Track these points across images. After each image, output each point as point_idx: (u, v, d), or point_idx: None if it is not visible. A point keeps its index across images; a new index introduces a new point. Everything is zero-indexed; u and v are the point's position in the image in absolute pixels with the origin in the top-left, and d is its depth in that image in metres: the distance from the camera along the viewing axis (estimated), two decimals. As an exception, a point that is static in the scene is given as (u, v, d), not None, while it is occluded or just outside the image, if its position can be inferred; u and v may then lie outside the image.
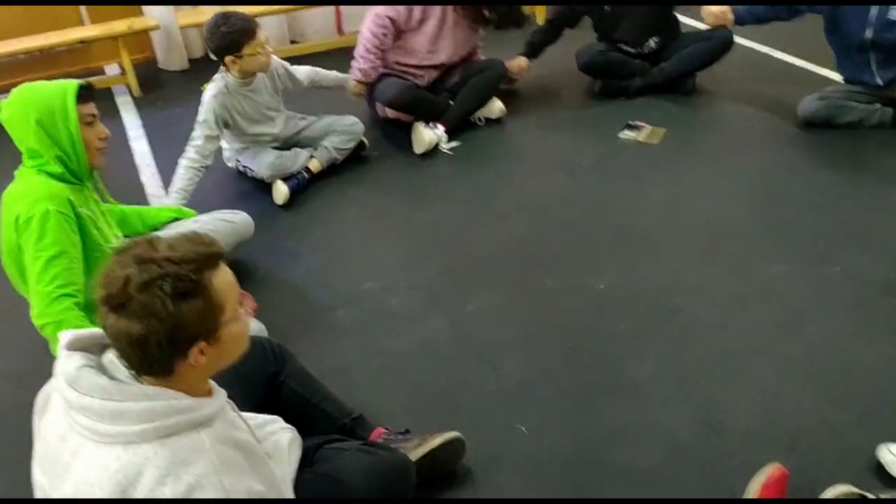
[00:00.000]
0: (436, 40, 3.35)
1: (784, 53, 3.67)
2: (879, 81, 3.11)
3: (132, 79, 4.02)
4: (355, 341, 2.27)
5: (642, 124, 3.34)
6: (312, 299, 2.46)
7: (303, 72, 3.20)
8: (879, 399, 1.93)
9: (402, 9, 3.23)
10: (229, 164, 3.18)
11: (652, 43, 3.60)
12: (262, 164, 3.03)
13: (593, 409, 1.95)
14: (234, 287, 1.20)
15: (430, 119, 3.34)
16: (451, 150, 3.30)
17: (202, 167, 2.83)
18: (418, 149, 3.28)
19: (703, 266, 2.48)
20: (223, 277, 1.18)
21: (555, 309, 2.34)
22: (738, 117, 3.41)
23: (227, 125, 2.96)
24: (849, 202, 2.77)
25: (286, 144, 3.19)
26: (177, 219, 2.51)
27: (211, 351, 1.15)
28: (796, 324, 2.20)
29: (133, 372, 1.14)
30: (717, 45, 3.47)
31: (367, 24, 3.26)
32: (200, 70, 4.35)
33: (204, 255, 1.16)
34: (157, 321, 1.07)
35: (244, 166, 3.12)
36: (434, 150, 3.29)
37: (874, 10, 2.94)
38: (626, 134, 3.30)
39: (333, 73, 3.32)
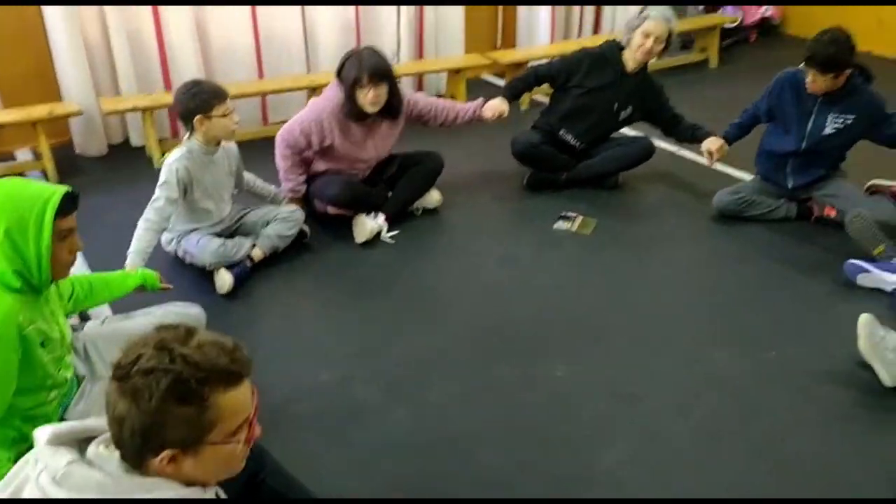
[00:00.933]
0: (362, 143, 3.37)
1: (694, 154, 3.99)
2: (790, 184, 3.42)
3: (49, 165, 3.85)
4: (320, 435, 2.22)
5: (574, 215, 3.51)
6: (271, 393, 2.37)
7: (246, 174, 3.27)
8: (839, 485, 2.06)
9: (301, 139, 3.26)
10: (167, 249, 3.08)
11: (587, 144, 3.81)
12: (205, 250, 2.96)
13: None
14: (243, 411, 1.17)
15: (370, 210, 3.38)
16: (391, 239, 3.34)
17: (160, 230, 2.84)
18: (360, 238, 3.30)
19: (652, 354, 2.59)
20: (235, 399, 1.15)
21: (516, 398, 2.38)
22: (660, 210, 3.64)
23: (185, 192, 2.91)
24: (772, 291, 2.98)
25: (225, 232, 3.14)
26: (143, 286, 2.40)
27: (185, 461, 1.12)
28: (750, 410, 2.32)
29: (120, 457, 1.12)
30: (642, 151, 3.73)
31: (277, 150, 3.32)
32: (120, 157, 4.24)
33: (222, 371, 1.14)
34: (138, 410, 1.07)
35: (185, 251, 3.03)
36: (375, 240, 3.32)
37: (811, 125, 3.24)
38: (561, 225, 3.45)
39: (269, 188, 3.34)
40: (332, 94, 3.27)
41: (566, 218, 3.49)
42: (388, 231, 3.36)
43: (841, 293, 2.94)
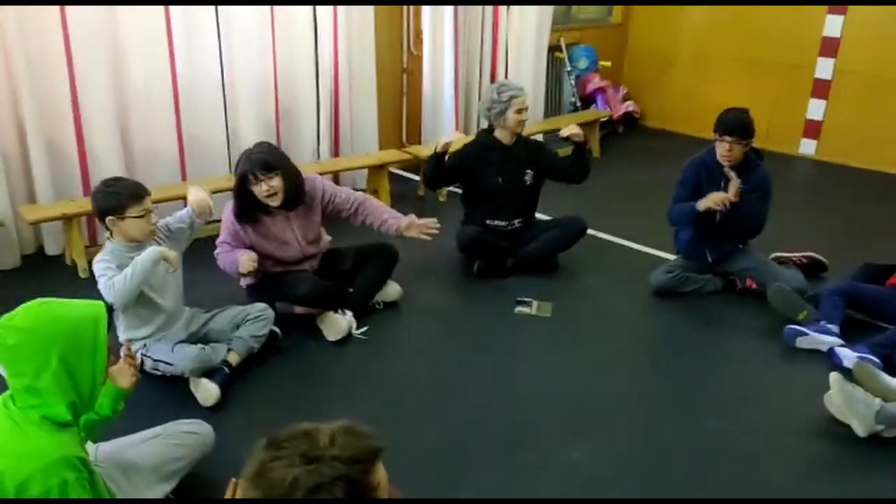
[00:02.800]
0: (282, 234, 3.35)
1: (620, 238, 4.39)
2: (710, 258, 3.81)
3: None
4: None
5: (530, 299, 3.69)
6: None
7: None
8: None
9: (231, 242, 3.28)
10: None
11: (516, 223, 4.04)
12: (185, 356, 2.83)
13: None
14: (387, 485, 1.17)
15: (336, 307, 3.38)
16: (363, 335, 3.35)
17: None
18: (334, 336, 3.29)
19: (651, 428, 2.78)
20: (382, 475, 1.17)
21: (544, 486, 2.45)
22: (603, 289, 3.91)
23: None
24: (723, 360, 3.30)
25: (192, 339, 3.02)
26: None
27: None
28: (746, 476, 2.53)
29: None
30: (575, 230, 4.01)
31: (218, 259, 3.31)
32: (36, 268, 3.96)
33: (370, 453, 1.14)
34: None
35: (155, 360, 2.88)
36: (346, 337, 3.31)
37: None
38: (520, 310, 3.61)
39: (182, 214, 3.07)
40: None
41: (524, 303, 3.66)
42: (358, 327, 3.37)
43: (785, 356, 3.29)
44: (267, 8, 4.53)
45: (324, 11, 4.80)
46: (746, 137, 3.58)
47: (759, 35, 6.57)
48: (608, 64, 6.90)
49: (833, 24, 6.20)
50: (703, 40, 6.96)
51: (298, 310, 3.38)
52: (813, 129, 6.53)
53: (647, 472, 2.53)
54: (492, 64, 5.96)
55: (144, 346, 2.91)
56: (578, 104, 6.75)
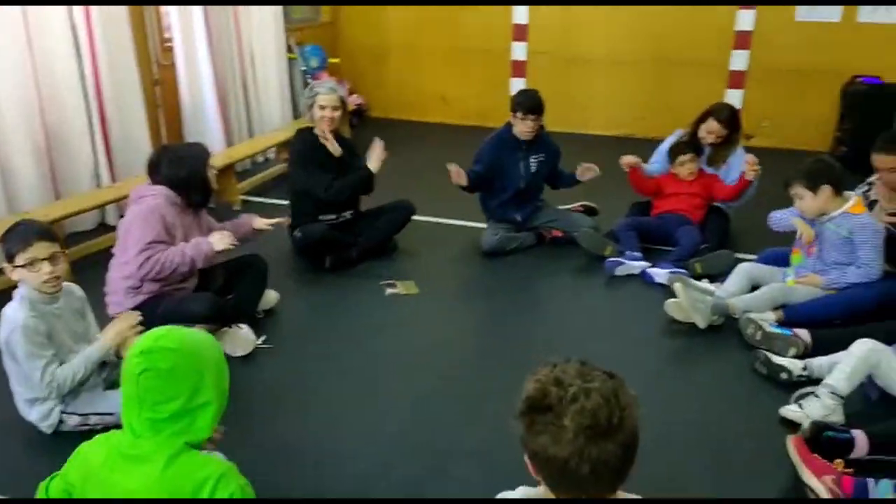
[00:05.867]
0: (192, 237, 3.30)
1: (427, 217, 4.83)
2: (519, 218, 4.45)
3: None
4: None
5: (393, 281, 3.97)
6: None
7: None
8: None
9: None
10: (45, 428, 2.64)
11: (347, 214, 4.27)
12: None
13: None
14: None
15: (232, 322, 3.33)
16: (267, 344, 3.35)
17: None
18: (241, 351, 3.25)
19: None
20: None
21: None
22: (445, 260, 4.35)
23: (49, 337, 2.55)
24: (564, 299, 3.97)
25: (107, 385, 2.81)
26: None
27: None
28: (623, 367, 3.20)
29: None
30: (406, 212, 4.36)
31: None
32: None
33: None
34: None
35: (84, 415, 2.64)
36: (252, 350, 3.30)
37: (522, 167, 4.29)
38: (391, 291, 3.88)
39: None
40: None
41: (389, 284, 3.93)
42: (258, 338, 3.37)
43: (609, 285, 4.05)
44: (21, 29, 4.08)
45: (81, 27, 4.43)
46: (542, 114, 4.25)
47: (460, 26, 7.45)
48: (337, 61, 7.25)
49: (520, 13, 7.29)
50: (410, 33, 7.66)
51: (196, 328, 3.25)
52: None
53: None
54: (241, 68, 5.95)
55: (63, 402, 2.64)
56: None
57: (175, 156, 3.29)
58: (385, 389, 3.06)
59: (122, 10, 4.76)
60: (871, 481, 2.34)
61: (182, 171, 3.24)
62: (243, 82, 5.97)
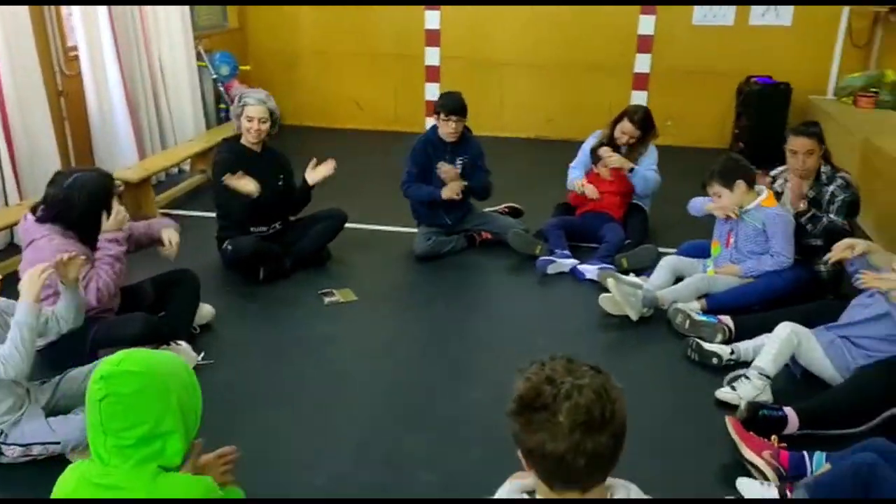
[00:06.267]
0: None
1: (357, 224, 4.83)
2: (449, 222, 4.51)
3: None
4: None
5: (329, 290, 3.95)
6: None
7: None
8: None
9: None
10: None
11: (277, 225, 4.22)
12: (72, 428, 2.54)
13: None
14: None
15: (169, 340, 3.24)
16: (204, 360, 3.28)
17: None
18: (183, 369, 3.16)
19: (471, 355, 3.39)
20: None
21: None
22: (378, 267, 4.37)
23: None
24: (500, 298, 4.06)
25: (48, 407, 2.69)
26: None
27: None
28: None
29: None
30: (339, 220, 4.34)
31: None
32: None
33: None
34: None
35: (26, 445, 2.52)
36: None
37: (458, 169, 4.34)
38: (329, 300, 3.86)
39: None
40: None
41: (328, 294, 3.91)
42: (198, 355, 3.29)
43: (541, 283, 4.16)
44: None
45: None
46: (465, 115, 4.33)
47: (373, 31, 7.46)
48: (248, 68, 7.12)
49: (432, 19, 7.37)
50: (322, 38, 7.60)
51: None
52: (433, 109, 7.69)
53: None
54: (150, 77, 5.77)
55: (2, 434, 2.51)
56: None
57: (65, 195, 2.95)
58: (334, 398, 3.06)
59: (23, 12, 4.52)
60: (806, 454, 2.52)
61: (73, 212, 2.96)
62: (154, 92, 5.78)
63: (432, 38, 7.43)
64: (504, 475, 1.65)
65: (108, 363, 1.63)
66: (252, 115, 4.00)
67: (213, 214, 4.27)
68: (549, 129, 7.41)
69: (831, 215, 3.68)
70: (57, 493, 1.69)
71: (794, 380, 3.12)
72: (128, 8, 5.43)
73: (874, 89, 6.19)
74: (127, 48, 5.42)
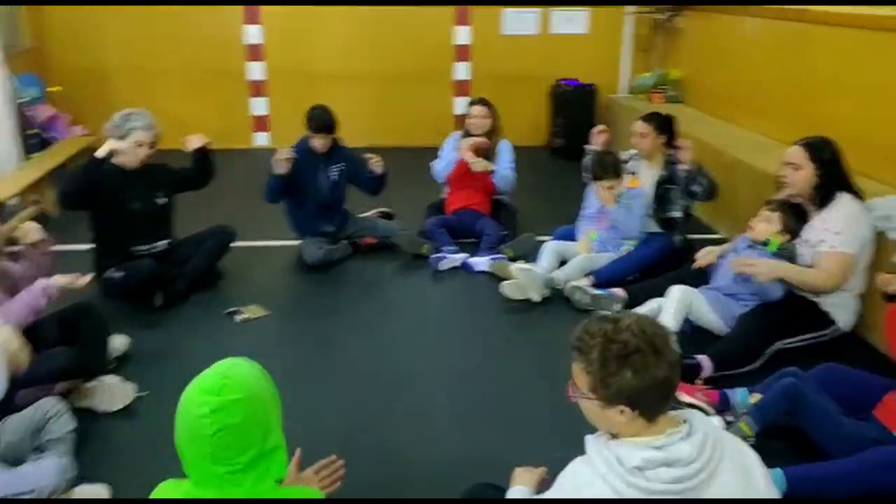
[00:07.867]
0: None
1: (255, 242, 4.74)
2: (329, 230, 4.59)
3: None
4: None
5: (237, 307, 3.86)
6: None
7: None
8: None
9: None
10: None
11: (160, 245, 4.06)
12: (45, 473, 2.40)
13: None
14: None
15: (94, 374, 3.04)
16: (141, 392, 3.11)
17: None
18: (120, 403, 3.01)
19: (399, 344, 3.56)
20: None
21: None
22: (274, 280, 4.37)
23: None
24: (402, 299, 4.22)
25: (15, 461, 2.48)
26: None
27: None
28: (489, 343, 3.60)
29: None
30: (227, 238, 4.27)
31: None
32: None
33: None
34: None
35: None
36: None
37: (321, 178, 4.46)
38: (239, 318, 3.78)
39: None
40: None
41: (237, 312, 3.83)
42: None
43: (435, 279, 4.38)
44: None
45: None
46: (331, 131, 4.45)
47: (190, 46, 7.21)
48: (59, 89, 6.58)
49: (253, 34, 7.29)
50: (134, 54, 7.20)
51: (60, 387, 2.93)
52: (262, 124, 7.60)
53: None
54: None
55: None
56: (44, 135, 6.29)
57: None
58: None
59: None
60: (728, 391, 2.98)
61: None
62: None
63: (254, 52, 7.35)
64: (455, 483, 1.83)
65: (209, 392, 1.57)
66: (143, 140, 3.88)
67: (70, 247, 4.08)
68: (378, 136, 7.59)
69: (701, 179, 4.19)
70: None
71: (685, 335, 3.60)
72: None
73: (663, 86, 7.14)
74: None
